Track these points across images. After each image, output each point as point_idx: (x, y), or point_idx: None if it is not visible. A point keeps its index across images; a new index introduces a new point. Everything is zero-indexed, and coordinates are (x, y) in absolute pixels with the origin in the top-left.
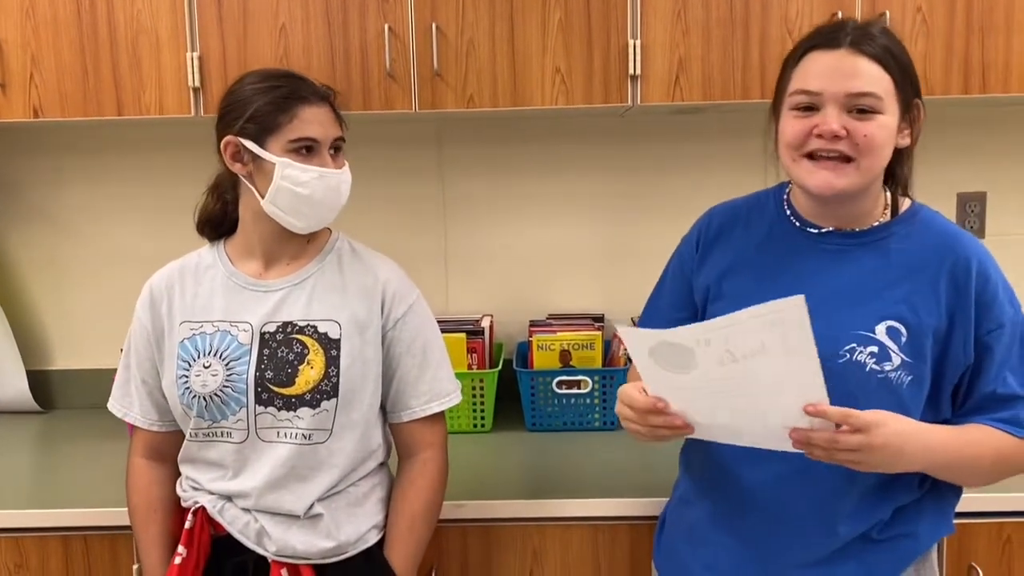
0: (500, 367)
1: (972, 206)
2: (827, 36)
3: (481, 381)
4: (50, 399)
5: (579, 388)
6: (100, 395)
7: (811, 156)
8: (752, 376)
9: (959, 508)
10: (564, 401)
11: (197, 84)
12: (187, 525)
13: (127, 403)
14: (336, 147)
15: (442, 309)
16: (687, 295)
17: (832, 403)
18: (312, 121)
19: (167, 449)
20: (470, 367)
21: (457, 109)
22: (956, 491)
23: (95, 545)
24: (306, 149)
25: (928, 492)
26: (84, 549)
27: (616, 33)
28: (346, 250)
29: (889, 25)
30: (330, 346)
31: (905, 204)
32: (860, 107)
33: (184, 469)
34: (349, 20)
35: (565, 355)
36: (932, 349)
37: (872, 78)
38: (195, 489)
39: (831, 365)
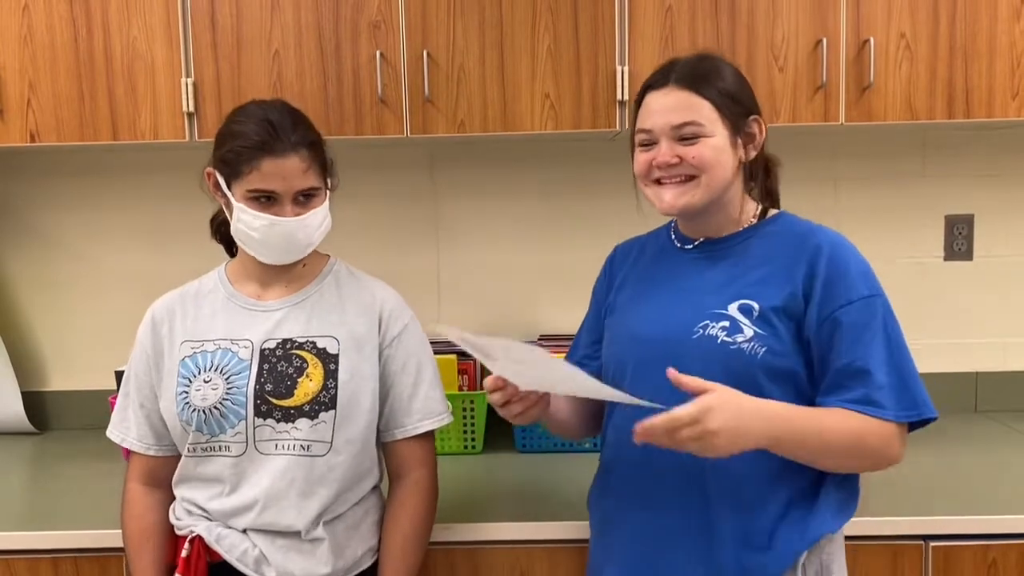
0: None
1: (960, 228)
2: (658, 76)
3: (472, 402)
4: (45, 420)
5: None
6: (95, 417)
7: (658, 182)
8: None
9: (945, 531)
10: None
11: (191, 109)
12: (184, 553)
13: (124, 428)
14: (309, 194)
15: (435, 330)
16: (600, 325)
17: (692, 374)
18: (273, 175)
19: (163, 474)
20: (461, 388)
21: (448, 134)
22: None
23: (85, 567)
24: (264, 199)
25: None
26: (75, 571)
27: (604, 60)
28: (344, 273)
29: (874, 49)
30: (328, 360)
31: (772, 213)
32: (685, 135)
33: (180, 491)
34: (341, 47)
35: None
36: (787, 326)
37: (691, 108)
38: (190, 514)
39: (686, 341)
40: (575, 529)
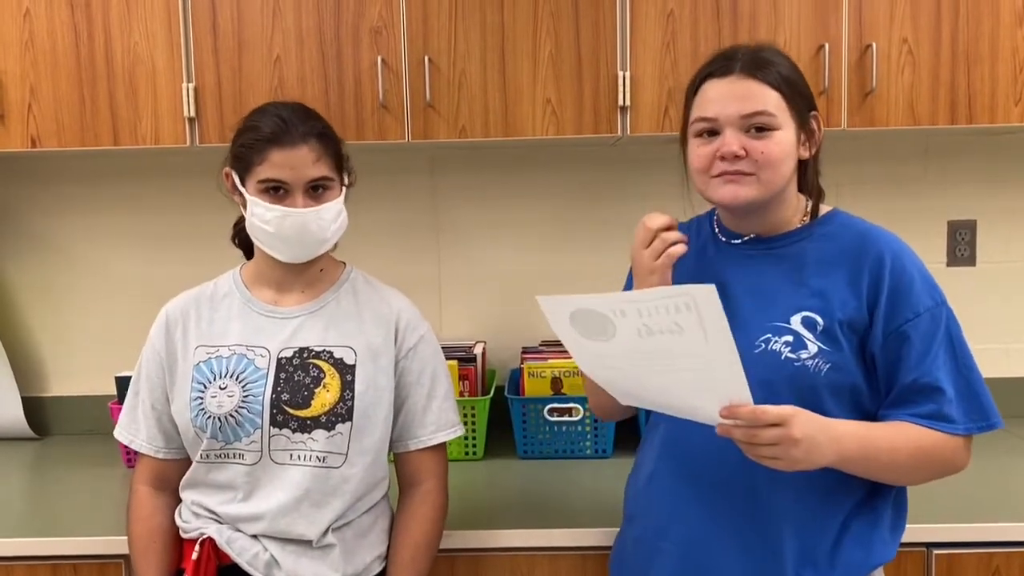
0: (492, 394)
1: (962, 234)
2: (720, 64)
3: (473, 408)
4: (45, 425)
5: (570, 415)
6: (95, 421)
7: (721, 175)
8: (672, 354)
9: (949, 539)
10: (555, 428)
11: (193, 114)
12: (194, 556)
13: (133, 430)
14: (321, 186)
15: (436, 335)
16: None
17: (753, 393)
18: (281, 164)
19: (171, 477)
20: (462, 394)
21: (449, 139)
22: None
23: (84, 574)
24: (275, 190)
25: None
26: None
27: (605, 65)
28: (360, 281)
29: (875, 52)
30: (345, 371)
31: (824, 210)
32: (756, 125)
33: (188, 495)
34: (343, 52)
35: (556, 382)
36: (851, 340)
37: (762, 97)
38: (197, 516)
39: (747, 356)
40: (576, 536)
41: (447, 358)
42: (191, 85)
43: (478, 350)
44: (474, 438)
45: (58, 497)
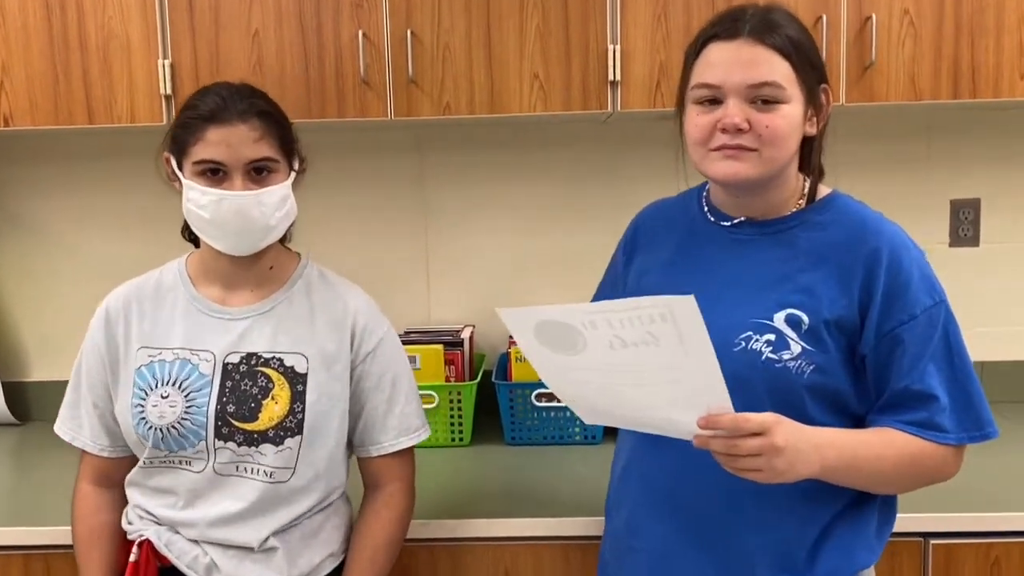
0: (480, 379)
1: (966, 213)
2: (726, 26)
3: (459, 394)
4: (26, 411)
5: (558, 401)
6: None
7: (719, 149)
8: (646, 367)
9: (946, 528)
10: (543, 414)
11: (169, 92)
12: (132, 558)
13: (75, 427)
14: (264, 168)
15: (424, 319)
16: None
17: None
18: (217, 143)
19: (116, 475)
20: (448, 379)
21: (433, 117)
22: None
23: (56, 564)
24: (212, 172)
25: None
26: (45, 569)
27: (595, 39)
28: (315, 277)
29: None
30: (296, 380)
31: (823, 192)
32: (762, 97)
33: (131, 494)
34: (323, 26)
35: None
36: (838, 341)
37: (770, 66)
38: (141, 519)
39: (726, 354)
40: (561, 526)
41: (434, 342)
42: (167, 62)
43: (466, 334)
44: (460, 424)
45: (36, 486)
